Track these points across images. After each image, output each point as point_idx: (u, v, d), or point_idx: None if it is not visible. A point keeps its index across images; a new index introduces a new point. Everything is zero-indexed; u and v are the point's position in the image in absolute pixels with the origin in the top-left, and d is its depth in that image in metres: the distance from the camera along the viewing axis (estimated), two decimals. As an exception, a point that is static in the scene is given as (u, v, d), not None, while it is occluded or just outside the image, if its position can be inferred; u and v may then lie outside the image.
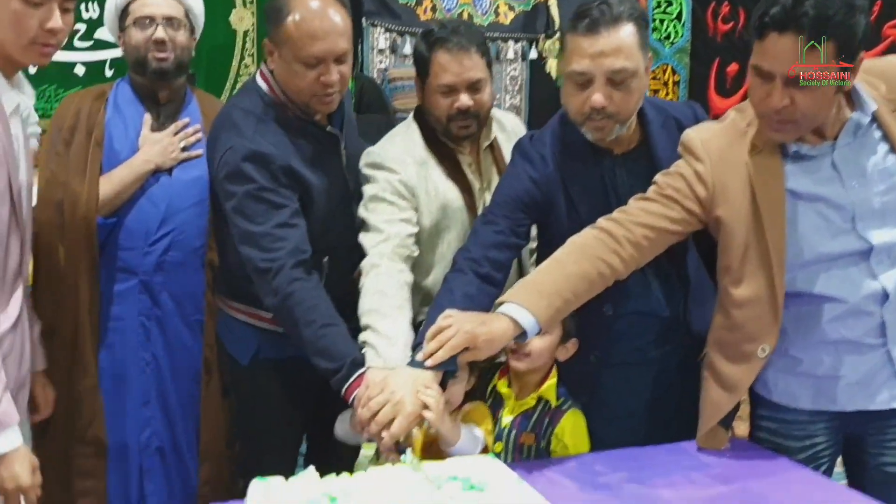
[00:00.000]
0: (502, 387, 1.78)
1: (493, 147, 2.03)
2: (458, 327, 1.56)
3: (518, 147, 1.89)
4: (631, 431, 1.84)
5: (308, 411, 2.03)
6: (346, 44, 1.80)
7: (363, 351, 1.69)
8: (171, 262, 2.13)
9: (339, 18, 1.78)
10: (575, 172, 1.81)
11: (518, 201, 1.81)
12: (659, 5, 3.86)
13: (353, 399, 1.62)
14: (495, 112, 2.08)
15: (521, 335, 1.61)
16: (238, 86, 3.30)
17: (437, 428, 1.55)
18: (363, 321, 1.74)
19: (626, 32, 1.68)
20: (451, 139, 1.97)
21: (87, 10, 3.09)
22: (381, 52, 3.51)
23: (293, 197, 1.82)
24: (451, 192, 1.96)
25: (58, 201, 2.08)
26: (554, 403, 1.75)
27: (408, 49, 3.56)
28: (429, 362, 1.56)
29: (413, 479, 1.36)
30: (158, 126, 2.17)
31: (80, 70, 3.12)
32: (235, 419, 2.16)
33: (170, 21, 2.11)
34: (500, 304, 1.64)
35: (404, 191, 1.91)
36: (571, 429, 1.73)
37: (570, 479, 1.61)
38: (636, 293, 1.82)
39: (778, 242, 1.62)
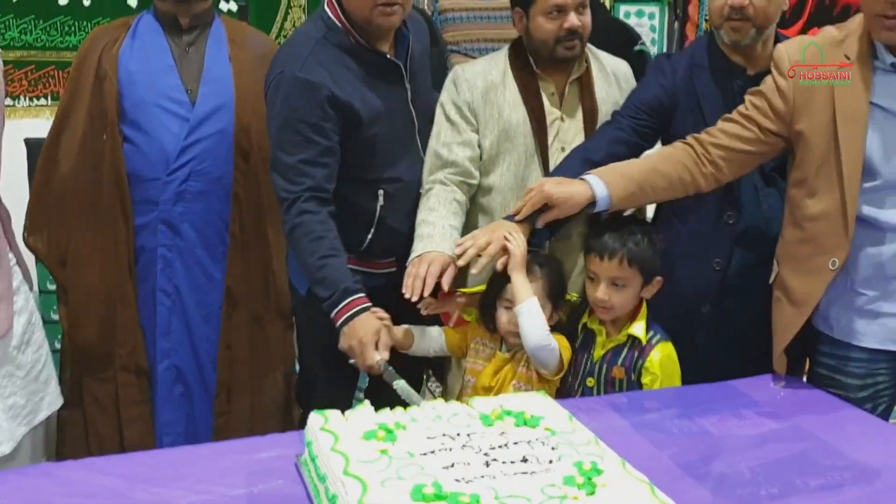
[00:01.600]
0: (592, 323, 1.87)
1: (583, 81, 2.03)
2: (539, 188, 1.81)
3: (654, 62, 2.08)
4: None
5: None
6: None
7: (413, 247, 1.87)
8: (192, 192, 2.12)
9: None
10: (707, 86, 1.94)
11: (644, 104, 1.96)
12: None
13: (342, 324, 1.77)
14: (600, 52, 2.09)
15: (592, 205, 1.80)
16: (288, 18, 3.28)
17: (511, 273, 1.75)
18: (416, 232, 1.90)
19: None
20: (555, 62, 1.97)
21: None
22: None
23: (332, 132, 1.86)
24: (516, 117, 1.98)
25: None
26: (644, 341, 1.80)
27: (459, -21, 3.48)
28: (517, 218, 1.83)
29: (466, 412, 1.39)
30: (181, 52, 2.14)
31: (132, 2, 3.12)
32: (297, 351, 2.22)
33: None
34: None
35: (466, 111, 1.97)
36: (661, 360, 1.79)
37: (619, 415, 1.63)
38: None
39: (854, 155, 1.62)
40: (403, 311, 1.86)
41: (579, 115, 2.00)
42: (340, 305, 1.79)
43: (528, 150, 1.98)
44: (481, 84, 1.98)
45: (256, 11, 3.14)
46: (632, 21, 3.61)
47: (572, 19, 1.91)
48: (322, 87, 1.83)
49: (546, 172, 1.95)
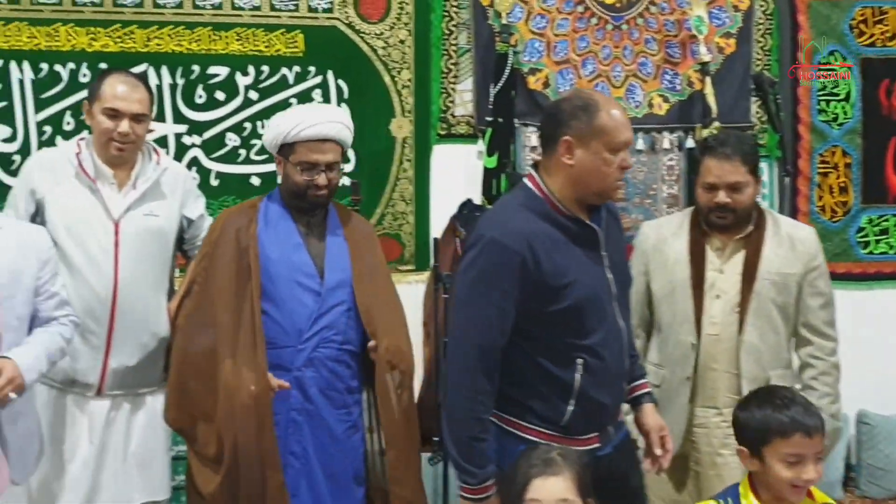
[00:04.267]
0: None
1: (752, 237, 2.39)
2: None
3: None
4: None
5: None
6: None
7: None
8: (320, 358, 2.31)
9: None
10: None
11: None
12: (824, 87, 3.71)
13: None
14: (781, 217, 2.53)
15: None
16: (396, 189, 3.45)
17: None
18: None
19: None
20: (709, 226, 2.40)
21: (263, 127, 3.34)
22: (533, 149, 3.56)
23: (517, 298, 1.89)
24: (679, 267, 2.42)
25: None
26: None
27: (560, 145, 3.59)
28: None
29: None
30: (306, 232, 2.40)
31: (255, 181, 3.38)
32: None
33: (330, 165, 2.34)
34: None
35: (641, 251, 2.51)
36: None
37: None
38: None
39: None
40: (606, 489, 1.82)
41: (739, 269, 2.37)
42: (485, 484, 1.88)
43: (685, 295, 2.39)
44: (662, 232, 2.49)
45: (368, 184, 3.33)
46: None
47: (721, 196, 2.32)
48: (518, 253, 1.88)
49: (698, 314, 2.37)
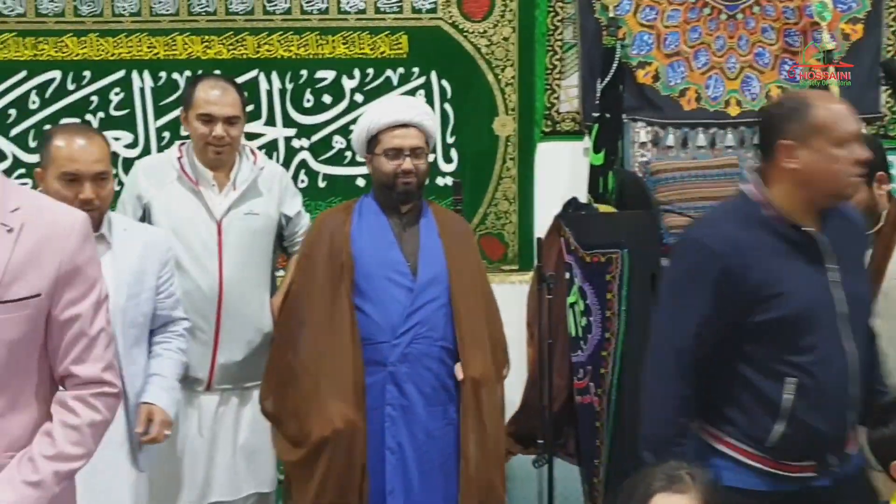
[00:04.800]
0: None
1: (880, 236, 2.31)
2: None
3: None
4: None
5: None
6: None
7: None
8: (415, 354, 2.32)
9: None
10: None
11: None
12: None
13: None
14: None
15: None
16: (500, 188, 3.42)
17: None
18: None
19: None
20: None
21: (366, 127, 3.39)
22: (642, 145, 3.46)
23: (715, 302, 1.81)
24: None
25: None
26: None
27: (671, 141, 3.47)
28: None
29: None
30: (400, 230, 2.41)
31: (361, 182, 3.42)
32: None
33: (415, 151, 2.35)
34: None
35: None
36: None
37: None
38: None
39: None
40: None
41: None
42: None
43: None
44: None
45: (471, 184, 3.31)
46: None
47: None
48: (721, 256, 1.81)
49: None
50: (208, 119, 2.49)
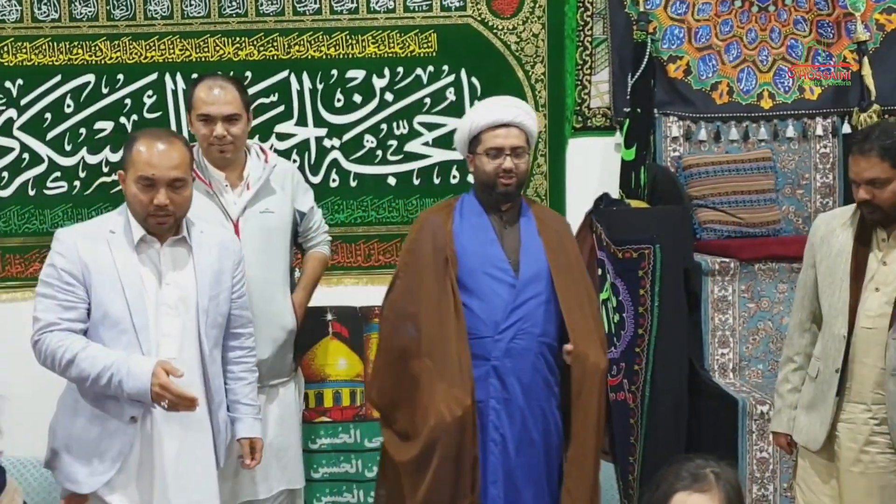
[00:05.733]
0: None
1: None
2: None
3: None
4: None
5: None
6: None
7: None
8: (517, 349, 2.37)
9: None
10: None
11: None
12: None
13: None
14: None
15: None
16: (531, 185, 3.41)
17: None
18: None
19: None
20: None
21: (398, 127, 3.41)
22: (674, 139, 3.43)
23: None
24: (841, 258, 2.33)
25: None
26: None
27: (703, 135, 3.44)
28: None
29: None
30: (500, 228, 2.46)
31: (391, 181, 3.43)
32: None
33: (516, 151, 2.38)
34: None
35: (810, 243, 2.47)
36: None
37: None
38: None
39: None
40: None
41: None
42: None
43: (843, 285, 2.28)
44: (824, 227, 2.39)
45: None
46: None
47: (862, 193, 2.23)
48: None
49: (853, 306, 2.25)
50: (207, 119, 2.49)
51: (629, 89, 3.32)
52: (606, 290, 2.98)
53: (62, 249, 2.09)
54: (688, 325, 3.03)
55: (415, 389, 2.37)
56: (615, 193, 3.27)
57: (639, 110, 3.30)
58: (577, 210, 3.24)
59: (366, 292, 3.26)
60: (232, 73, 3.40)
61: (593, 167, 3.44)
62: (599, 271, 2.98)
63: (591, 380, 2.38)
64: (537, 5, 3.39)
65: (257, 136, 3.23)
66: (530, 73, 3.40)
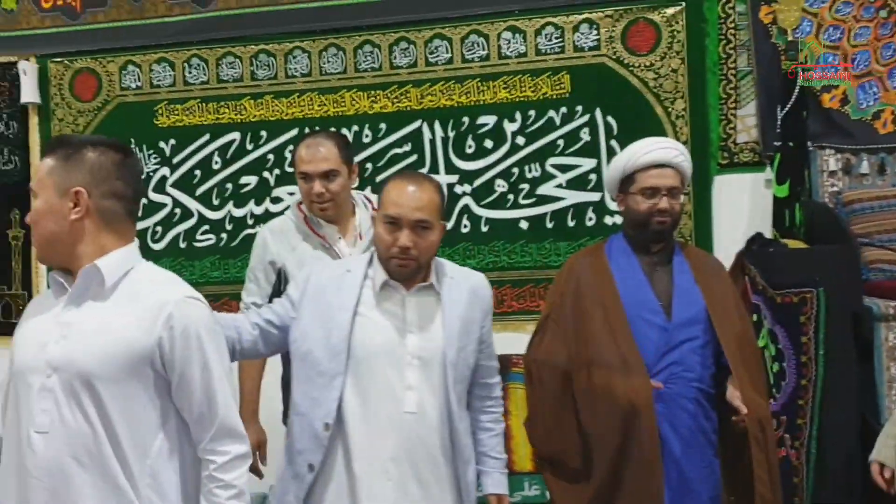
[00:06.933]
0: None
1: None
2: None
3: None
4: None
5: None
6: None
7: None
8: (670, 394, 2.27)
9: None
10: None
11: None
12: None
13: None
14: None
15: None
16: (673, 225, 3.24)
17: None
18: None
19: None
20: None
21: (529, 171, 3.35)
22: (831, 174, 3.16)
23: None
24: None
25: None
26: None
27: (865, 168, 3.15)
28: None
29: None
30: (650, 270, 2.38)
31: (523, 224, 3.35)
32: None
33: (671, 191, 2.34)
34: None
35: None
36: None
37: None
38: None
39: None
40: None
41: None
42: None
43: None
44: None
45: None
46: None
47: None
48: None
49: None
50: (306, 177, 2.49)
51: (779, 122, 3.10)
52: (763, 336, 2.78)
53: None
54: (859, 375, 2.79)
55: (576, 426, 2.31)
56: (767, 233, 3.04)
57: (790, 144, 3.07)
58: (724, 251, 3.05)
59: (499, 339, 3.13)
60: (367, 125, 3.46)
61: (742, 205, 3.24)
62: (755, 317, 2.77)
63: (768, 431, 2.26)
64: (675, 40, 3.26)
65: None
66: (670, 109, 3.26)
